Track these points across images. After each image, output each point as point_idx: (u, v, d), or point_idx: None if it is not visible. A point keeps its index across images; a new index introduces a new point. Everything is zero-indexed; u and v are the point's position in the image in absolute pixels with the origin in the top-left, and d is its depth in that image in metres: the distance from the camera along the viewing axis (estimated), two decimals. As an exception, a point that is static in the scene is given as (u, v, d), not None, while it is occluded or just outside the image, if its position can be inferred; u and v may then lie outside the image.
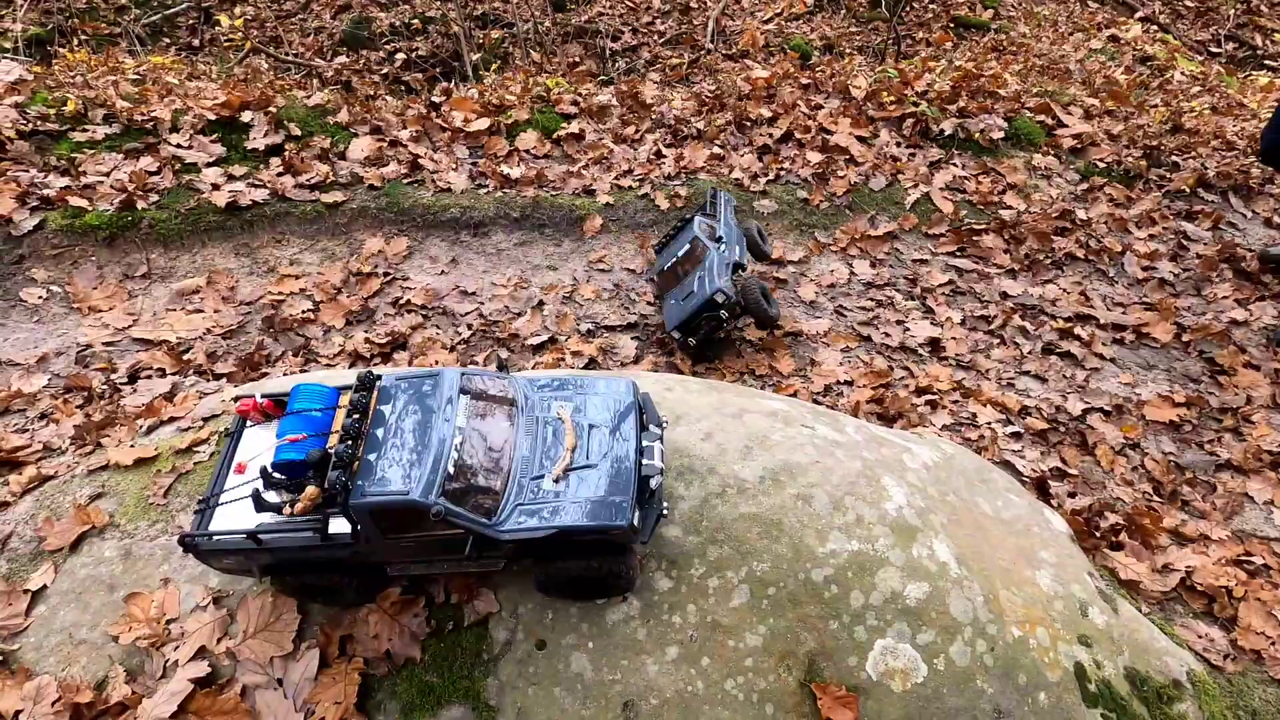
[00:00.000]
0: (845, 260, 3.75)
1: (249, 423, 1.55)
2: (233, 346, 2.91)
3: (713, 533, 1.56)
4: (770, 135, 4.41)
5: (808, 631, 1.49)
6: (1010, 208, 4.07)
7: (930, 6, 9.48)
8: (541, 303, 3.37)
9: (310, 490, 1.33)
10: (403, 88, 4.70)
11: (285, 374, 2.71)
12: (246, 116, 3.83)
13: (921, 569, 1.57)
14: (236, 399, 1.56)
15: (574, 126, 4.30)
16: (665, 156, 4.21)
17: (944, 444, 2.09)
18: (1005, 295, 3.54)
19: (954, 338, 3.23)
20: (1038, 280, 3.66)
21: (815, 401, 2.82)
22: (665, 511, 1.43)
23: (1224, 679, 1.88)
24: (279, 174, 3.64)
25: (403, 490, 1.28)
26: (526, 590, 1.52)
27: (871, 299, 3.51)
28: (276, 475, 1.36)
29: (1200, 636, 2.00)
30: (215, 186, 3.49)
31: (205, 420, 2.03)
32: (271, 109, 3.90)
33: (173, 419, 2.09)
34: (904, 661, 1.47)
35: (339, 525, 1.32)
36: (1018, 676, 1.49)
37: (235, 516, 1.38)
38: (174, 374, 2.68)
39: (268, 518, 1.35)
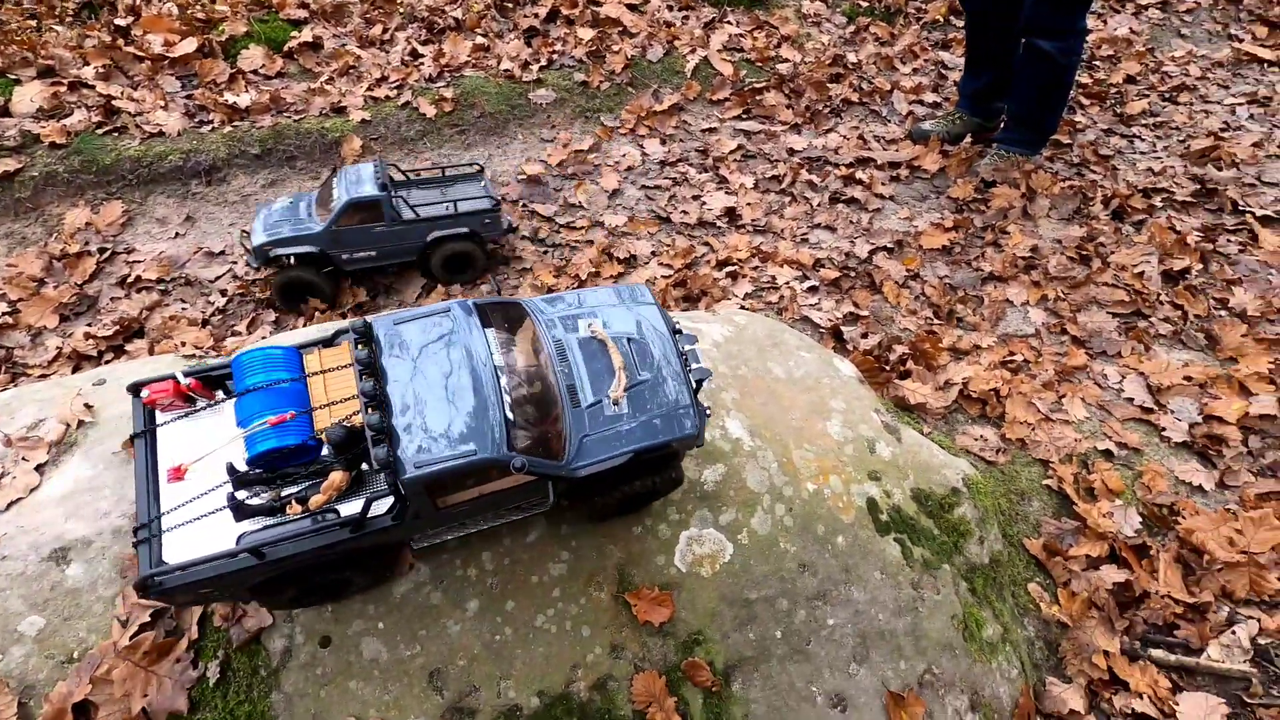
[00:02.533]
0: (635, 142, 3.59)
1: (161, 415, 1.21)
2: (-96, 380, 2.31)
3: (497, 471, 1.43)
4: (536, 15, 4.02)
5: (612, 544, 1.44)
6: (787, 60, 4.04)
7: None
8: (310, 248, 2.96)
9: (335, 477, 1.10)
10: (71, 13, 3.75)
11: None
12: None
13: (716, 451, 1.56)
14: (137, 388, 1.20)
15: (307, 34, 3.67)
16: (423, 55, 3.73)
17: (737, 316, 2.07)
18: (792, 151, 3.56)
19: (749, 203, 3.22)
20: (820, 131, 3.71)
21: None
22: (709, 411, 1.32)
23: (998, 471, 2.11)
24: (-87, 148, 2.83)
25: (469, 450, 1.08)
26: (300, 586, 1.34)
27: (667, 177, 3.40)
28: (254, 471, 1.12)
29: (977, 439, 2.21)
30: None
31: None
32: (-122, 63, 2.98)
33: None
34: (710, 546, 1.47)
35: (351, 510, 1.11)
36: (816, 528, 1.55)
37: (196, 535, 1.08)
38: None
39: (249, 525, 1.09)
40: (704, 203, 3.24)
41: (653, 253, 2.98)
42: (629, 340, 1.32)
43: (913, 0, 4.58)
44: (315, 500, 1.10)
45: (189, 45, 3.50)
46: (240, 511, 1.08)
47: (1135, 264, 2.87)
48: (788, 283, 2.78)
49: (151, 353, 2.41)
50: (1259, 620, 1.82)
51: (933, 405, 2.28)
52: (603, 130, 3.60)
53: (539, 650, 1.34)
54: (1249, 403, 2.33)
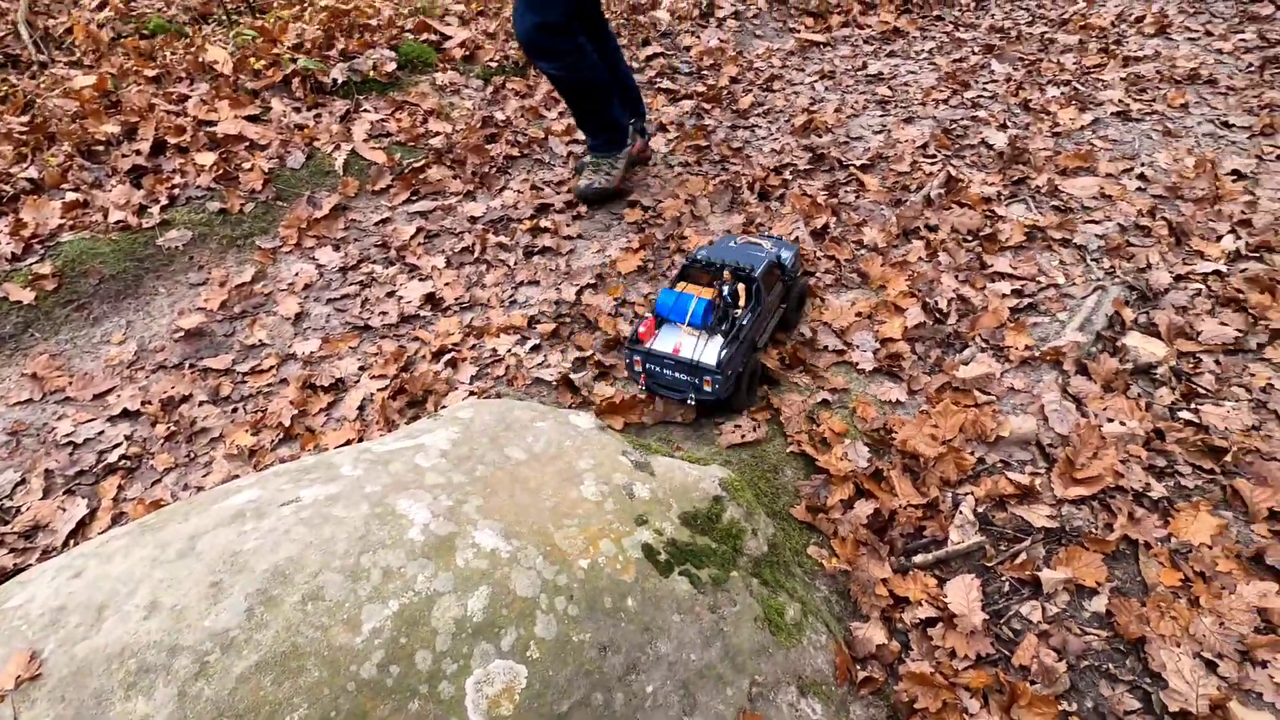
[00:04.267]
0: (306, 256, 3.29)
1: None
2: None
3: (214, 725, 1.15)
4: (138, 152, 3.51)
5: (392, 737, 1.23)
6: (438, 134, 4.02)
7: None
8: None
9: (741, 288, 2.30)
10: None
11: None
12: None
13: (474, 574, 1.42)
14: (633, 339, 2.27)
15: None
16: (-4, 232, 3.04)
17: (460, 411, 1.95)
18: (474, 219, 3.54)
19: (447, 283, 3.12)
20: (494, 192, 3.74)
21: (356, 438, 2.45)
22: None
23: (749, 454, 2.25)
24: None
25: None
26: None
27: (353, 283, 3.16)
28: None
29: (735, 429, 2.34)
30: None
31: None
32: None
33: None
34: (501, 680, 1.33)
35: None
36: (603, 602, 1.49)
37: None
38: None
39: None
40: (401, 297, 3.07)
41: (361, 368, 2.73)
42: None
43: (536, 52, 4.85)
44: (740, 305, 2.28)
45: None
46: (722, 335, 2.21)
47: (789, 232, 3.30)
48: (509, 350, 2.73)
49: None
50: (971, 493, 2.16)
51: (683, 416, 2.38)
52: (263, 255, 3.24)
53: None
54: (904, 318, 2.79)
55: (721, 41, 5.32)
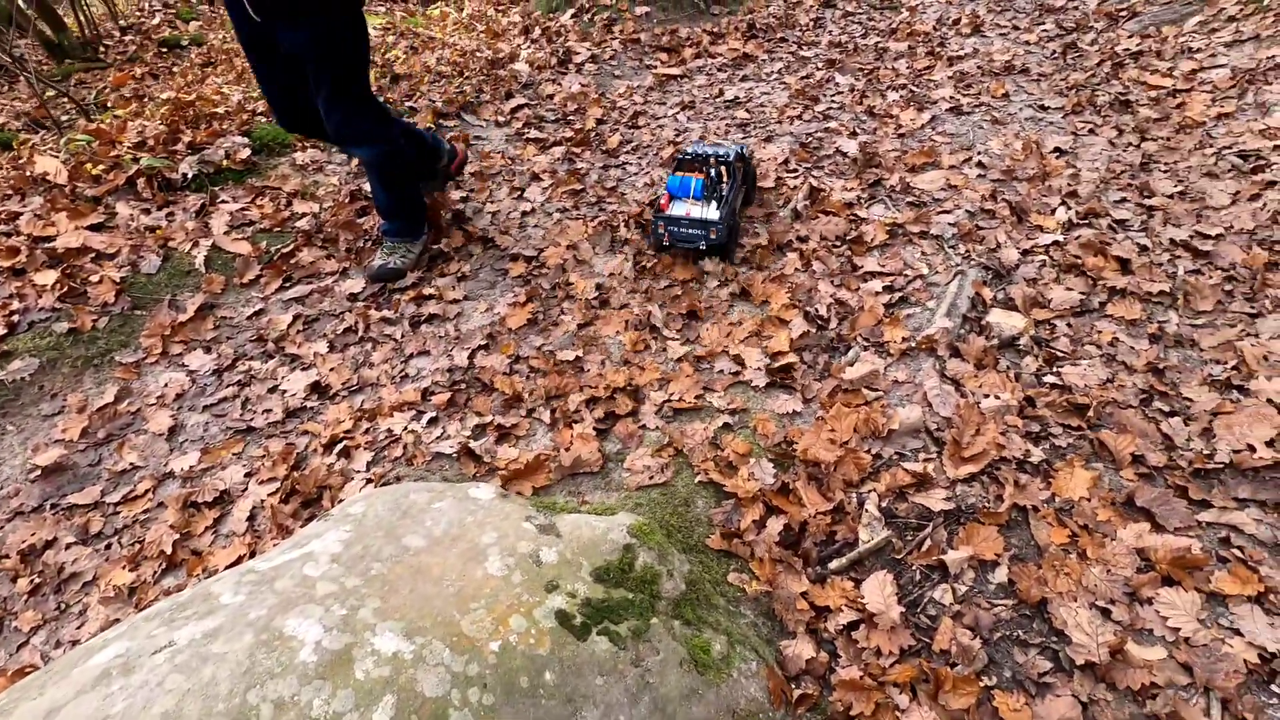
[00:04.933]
0: (174, 364, 3.09)
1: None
2: None
3: None
4: (-35, 282, 3.22)
5: None
6: (305, 214, 3.90)
7: (128, 41, 8.30)
8: None
9: (724, 170, 3.23)
10: None
11: None
12: None
13: (376, 684, 1.35)
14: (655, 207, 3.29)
15: None
16: None
17: (352, 508, 1.86)
18: (353, 297, 3.43)
19: (332, 369, 3.00)
20: (368, 266, 3.64)
21: (249, 553, 2.29)
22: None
23: (658, 493, 2.26)
24: None
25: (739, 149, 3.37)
26: None
27: (230, 384, 2.99)
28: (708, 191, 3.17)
29: (643, 470, 2.34)
30: None
31: None
32: None
33: None
34: (418, 793, 1.26)
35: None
36: (519, 683, 1.44)
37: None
38: None
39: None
40: (284, 390, 2.92)
41: (248, 474, 2.57)
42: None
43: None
44: (724, 182, 3.17)
45: None
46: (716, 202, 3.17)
47: (675, 261, 3.38)
48: (405, 428, 2.64)
49: None
50: (873, 490, 2.24)
51: (590, 463, 2.36)
52: (124, 370, 3.02)
53: None
54: (789, 329, 2.89)
55: (583, 86, 5.45)
